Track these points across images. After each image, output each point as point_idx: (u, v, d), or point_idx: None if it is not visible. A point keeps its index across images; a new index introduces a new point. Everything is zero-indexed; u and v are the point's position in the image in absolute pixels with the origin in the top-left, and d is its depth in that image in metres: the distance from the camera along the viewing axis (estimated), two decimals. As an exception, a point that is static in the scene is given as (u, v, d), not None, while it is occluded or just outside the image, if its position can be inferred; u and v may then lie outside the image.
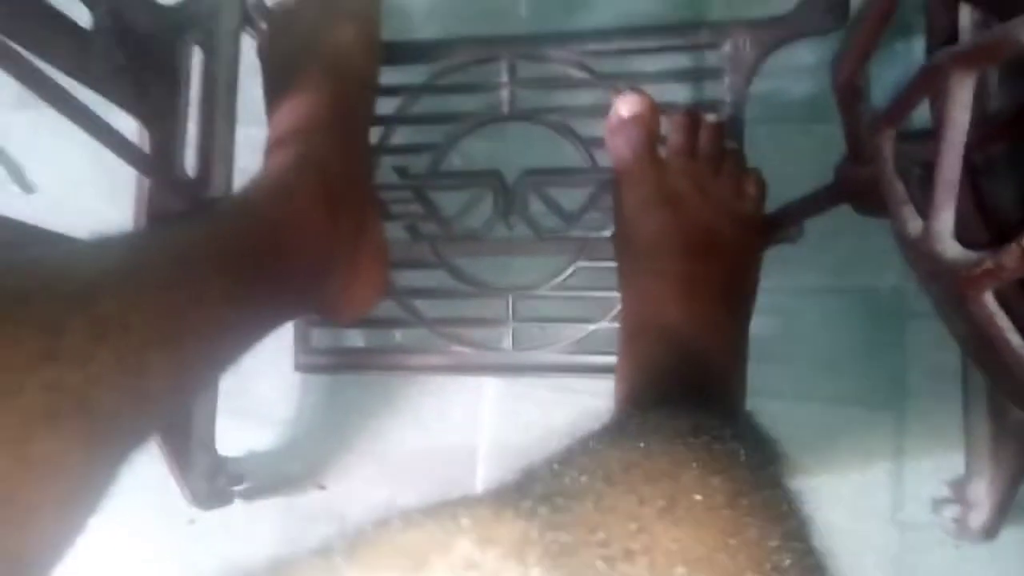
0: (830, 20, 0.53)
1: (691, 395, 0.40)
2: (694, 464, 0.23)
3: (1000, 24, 0.26)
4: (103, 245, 0.38)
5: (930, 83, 0.30)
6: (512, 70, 0.58)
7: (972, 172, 0.37)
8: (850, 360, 0.59)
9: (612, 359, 0.51)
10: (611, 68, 0.56)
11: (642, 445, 0.24)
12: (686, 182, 0.50)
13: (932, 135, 0.32)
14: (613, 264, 0.56)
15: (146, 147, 0.52)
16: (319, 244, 0.49)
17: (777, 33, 0.54)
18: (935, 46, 0.37)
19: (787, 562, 0.21)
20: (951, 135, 0.28)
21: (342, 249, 0.51)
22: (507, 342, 0.58)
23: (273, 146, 0.52)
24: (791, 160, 0.57)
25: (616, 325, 0.56)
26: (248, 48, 0.60)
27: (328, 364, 0.60)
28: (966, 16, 0.36)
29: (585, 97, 0.58)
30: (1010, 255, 0.24)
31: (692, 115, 0.52)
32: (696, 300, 0.46)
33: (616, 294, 0.55)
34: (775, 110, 0.59)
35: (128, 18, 0.51)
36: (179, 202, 0.55)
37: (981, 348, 0.34)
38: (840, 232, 0.58)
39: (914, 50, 0.58)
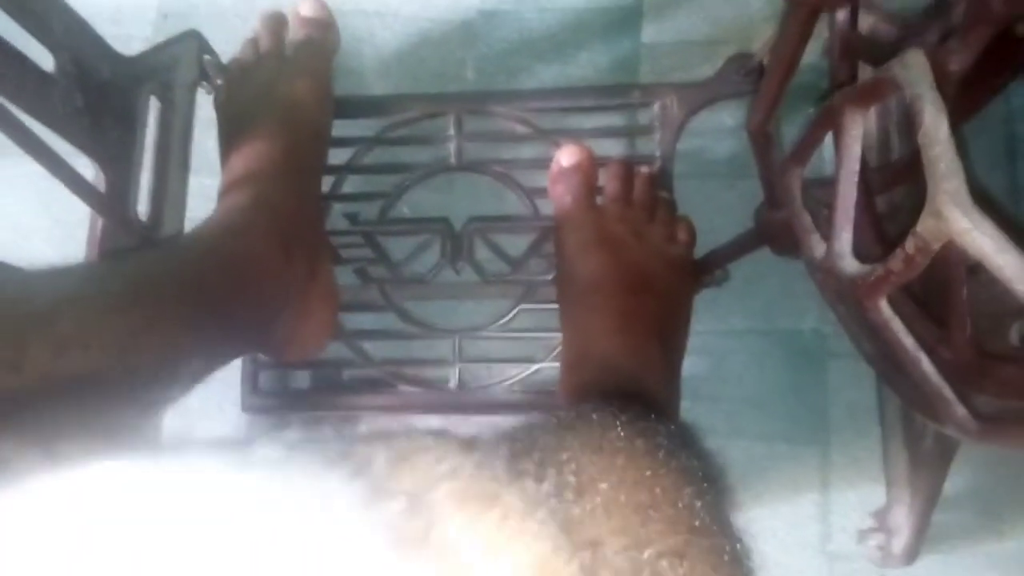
0: (746, 84, 0.59)
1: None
2: (620, 423, 0.27)
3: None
4: (63, 272, 0.39)
5: (828, 121, 0.34)
6: (459, 124, 0.61)
7: (871, 210, 0.42)
8: (776, 398, 0.63)
9: (555, 397, 0.53)
10: (552, 124, 0.61)
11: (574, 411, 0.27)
12: (622, 227, 0.53)
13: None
14: (555, 306, 0.59)
15: (101, 188, 0.53)
16: (271, 281, 0.51)
17: (701, 95, 0.60)
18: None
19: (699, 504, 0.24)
20: (846, 164, 0.32)
21: (293, 288, 0.53)
22: (453, 382, 0.59)
23: (227, 189, 0.54)
24: (716, 211, 0.61)
25: (558, 365, 0.58)
26: (203, 101, 0.63)
27: (275, 405, 0.60)
28: (864, 72, 0.41)
29: (528, 150, 0.62)
30: (896, 260, 0.28)
31: (627, 166, 0.56)
32: (632, 335, 0.49)
33: (558, 335, 0.58)
34: (701, 166, 0.64)
35: (89, 65, 0.53)
36: (130, 245, 0.56)
37: (884, 360, 0.37)
38: (764, 277, 0.62)
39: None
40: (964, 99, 0.39)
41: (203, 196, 0.60)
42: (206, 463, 0.16)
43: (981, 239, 0.24)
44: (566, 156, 0.55)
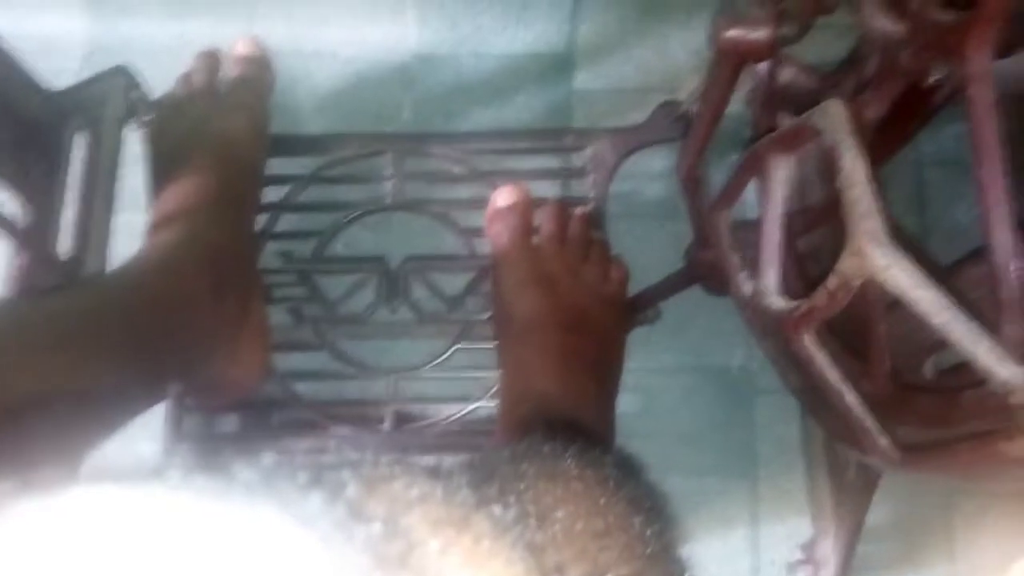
0: (675, 130, 0.61)
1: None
2: (570, 455, 0.27)
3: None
4: None
5: (754, 166, 0.36)
6: (397, 164, 0.62)
7: (794, 250, 0.44)
8: (707, 434, 0.64)
9: (491, 438, 0.53)
10: (488, 165, 0.62)
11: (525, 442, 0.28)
12: (558, 266, 0.54)
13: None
14: (492, 345, 0.59)
15: (23, 223, 0.51)
16: (201, 320, 0.50)
17: (632, 139, 0.62)
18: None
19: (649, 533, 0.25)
20: (771, 206, 0.34)
21: (225, 327, 0.52)
22: (388, 423, 0.59)
23: (157, 225, 0.53)
24: (648, 251, 0.63)
25: (495, 404, 0.58)
26: (131, 137, 0.61)
27: (200, 451, 0.58)
28: (784, 120, 0.43)
29: (465, 191, 0.62)
30: (820, 296, 0.29)
31: (562, 206, 0.57)
32: (569, 372, 0.50)
33: (495, 373, 0.59)
34: (633, 207, 0.66)
35: (14, 99, 0.52)
36: (51, 282, 0.54)
37: (810, 393, 0.39)
38: (694, 315, 0.64)
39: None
40: (879, 145, 0.41)
41: (128, 233, 0.58)
42: (181, 487, 0.16)
43: (899, 275, 0.25)
44: (503, 196, 0.56)
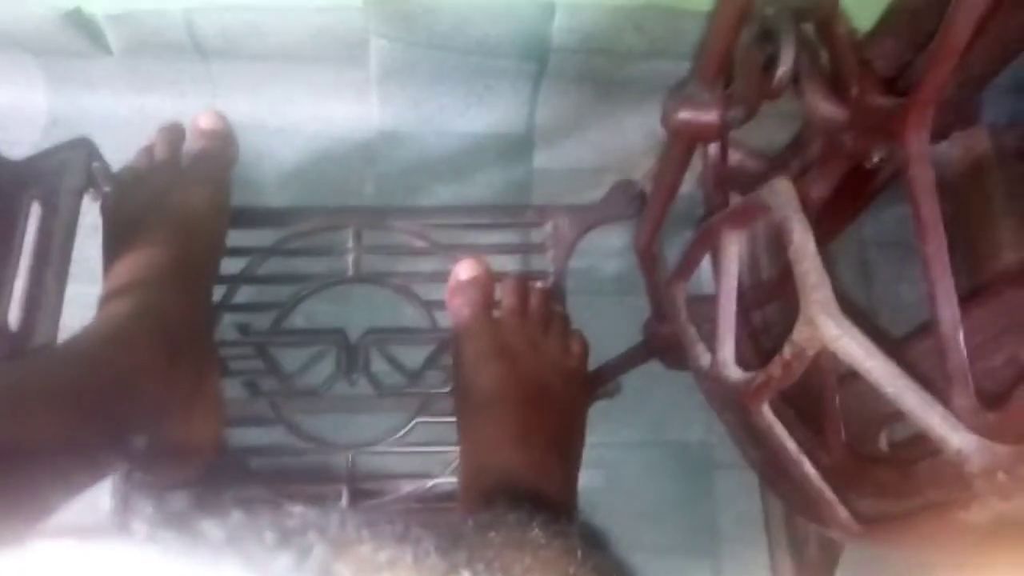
0: (631, 208, 0.63)
1: None
2: (536, 525, 0.27)
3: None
4: None
5: (708, 241, 0.37)
6: (358, 237, 0.62)
7: (748, 324, 0.45)
8: (669, 510, 0.64)
9: (451, 514, 0.52)
10: (450, 239, 0.62)
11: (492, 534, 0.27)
12: (519, 339, 0.55)
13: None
14: (452, 420, 0.58)
15: (-28, 294, 0.50)
16: (154, 392, 0.48)
17: (590, 217, 0.64)
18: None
19: None
20: (725, 280, 0.35)
21: (177, 399, 0.51)
22: (345, 500, 0.57)
23: (111, 296, 0.52)
24: (607, 326, 0.64)
25: (455, 479, 0.57)
26: (86, 208, 0.61)
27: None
28: (735, 198, 0.45)
29: (426, 264, 0.63)
30: (775, 366, 0.30)
31: (523, 280, 0.58)
32: (531, 446, 0.50)
33: (455, 448, 0.58)
34: (592, 283, 0.67)
35: (-31, 167, 0.51)
36: (0, 352, 0.52)
37: (769, 465, 0.39)
38: (653, 390, 0.65)
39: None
40: (824, 224, 0.43)
41: (80, 304, 0.57)
42: (147, 544, 0.15)
43: (850, 345, 0.26)
44: (464, 270, 0.56)
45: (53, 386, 0.40)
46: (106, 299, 0.52)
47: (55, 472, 0.39)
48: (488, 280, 0.56)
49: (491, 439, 0.50)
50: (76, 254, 0.59)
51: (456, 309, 0.56)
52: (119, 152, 0.65)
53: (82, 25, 0.62)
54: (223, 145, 0.62)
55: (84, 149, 0.61)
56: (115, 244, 0.56)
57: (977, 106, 0.37)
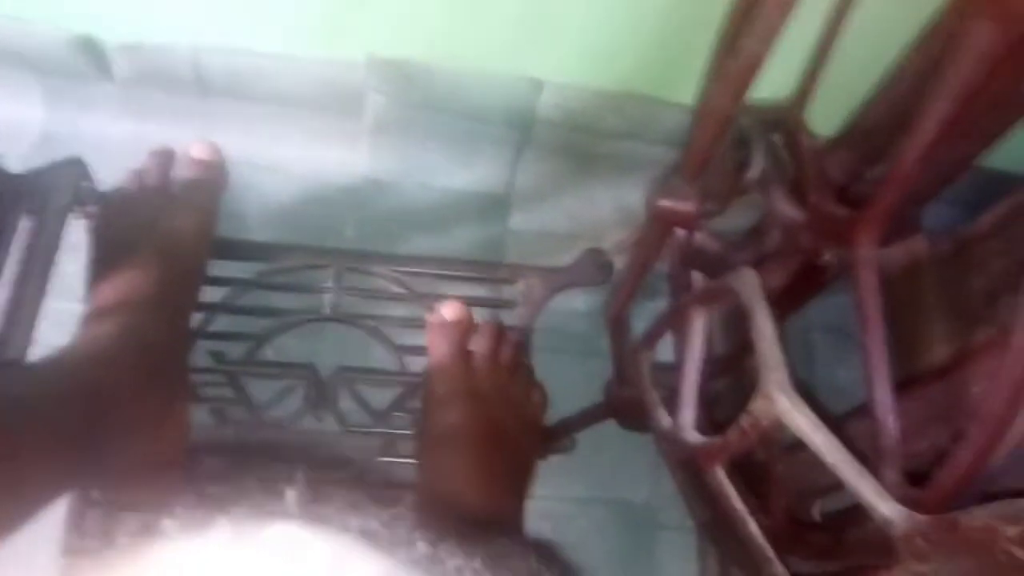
0: (599, 274, 0.67)
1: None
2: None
3: (717, 279, 0.38)
4: None
5: (676, 318, 0.41)
6: (337, 278, 0.65)
7: (703, 393, 0.49)
8: (611, 567, 0.67)
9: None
10: (425, 288, 0.65)
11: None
12: (487, 382, 0.58)
13: (677, 366, 0.43)
14: (413, 461, 0.61)
15: (-42, 300, 0.51)
16: (129, 412, 0.50)
17: (560, 279, 0.67)
18: (675, 295, 0.50)
19: None
20: (691, 352, 0.39)
21: (148, 421, 0.52)
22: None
23: (94, 315, 0.53)
24: (567, 384, 0.67)
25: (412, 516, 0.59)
26: (72, 228, 0.62)
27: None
28: (696, 277, 0.49)
29: (400, 309, 0.65)
30: (733, 431, 0.34)
31: (499, 328, 0.62)
32: (486, 481, 0.53)
33: (414, 488, 0.60)
34: (556, 342, 0.71)
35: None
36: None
37: (716, 525, 0.43)
38: (605, 448, 0.68)
39: (659, 307, 0.73)
40: (776, 308, 0.48)
41: (52, 320, 0.58)
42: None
43: (800, 419, 0.30)
44: (449, 311, 0.60)
45: (33, 399, 0.41)
46: (90, 317, 0.53)
47: (25, 485, 0.40)
48: (469, 324, 0.60)
49: (448, 470, 0.53)
50: (57, 270, 0.60)
51: (434, 347, 0.59)
52: (110, 174, 0.67)
53: (90, 51, 0.64)
54: (213, 174, 0.64)
55: (76, 168, 0.63)
56: (101, 263, 0.57)
57: (918, 218, 0.42)
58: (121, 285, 0.55)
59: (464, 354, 0.59)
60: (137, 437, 0.51)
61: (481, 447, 0.54)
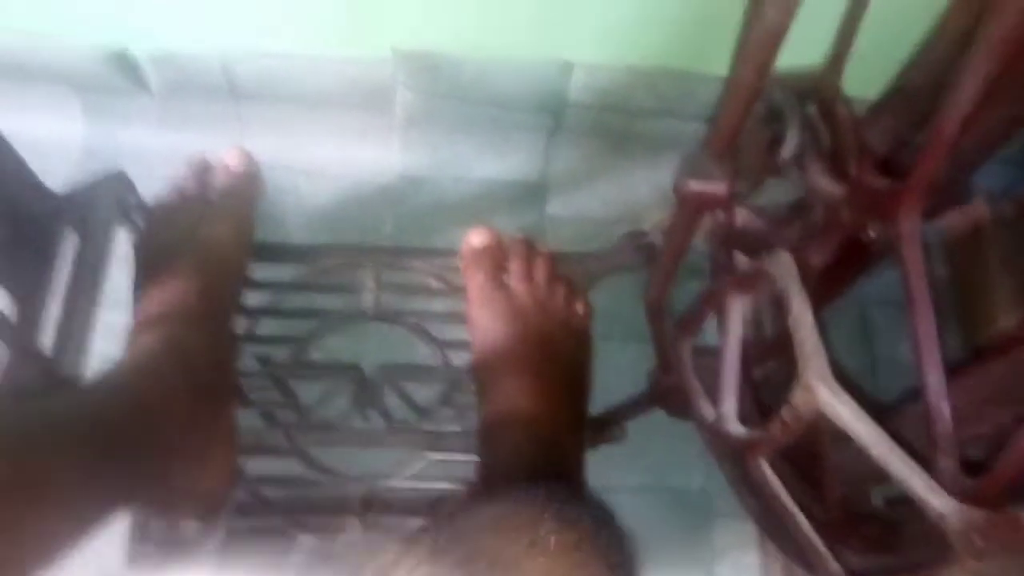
0: (639, 258, 0.65)
1: (545, 475, 0.47)
2: (548, 518, 0.29)
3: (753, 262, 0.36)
4: None
5: (714, 301, 0.39)
6: (377, 275, 0.65)
7: (750, 378, 0.47)
8: (668, 556, 0.65)
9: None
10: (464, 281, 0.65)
11: (509, 503, 0.30)
12: (528, 301, 0.58)
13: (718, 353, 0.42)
14: (461, 457, 0.60)
15: (12, 319, 0.52)
16: (177, 425, 0.50)
17: (600, 265, 0.66)
18: (716, 277, 0.48)
19: None
20: (729, 340, 0.37)
21: (197, 433, 0.52)
22: (355, 533, 0.59)
23: (140, 328, 0.54)
24: (612, 371, 0.66)
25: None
26: (120, 240, 0.63)
27: (165, 557, 0.58)
28: (739, 258, 0.47)
29: (440, 304, 0.65)
30: (775, 425, 0.32)
31: (529, 244, 0.61)
32: (545, 397, 0.53)
33: (463, 486, 0.60)
34: (599, 329, 0.69)
35: (14, 196, 0.54)
36: (31, 377, 0.54)
37: (766, 516, 0.41)
38: (655, 437, 0.66)
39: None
40: (824, 288, 0.45)
41: (107, 333, 0.59)
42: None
43: (842, 411, 0.28)
44: (478, 238, 0.60)
45: (83, 420, 0.42)
46: (136, 332, 0.54)
47: (80, 502, 0.41)
48: (499, 248, 0.60)
49: (510, 392, 0.53)
50: (108, 284, 0.62)
51: (471, 276, 0.59)
52: (151, 186, 0.69)
53: (125, 64, 0.65)
54: (249, 182, 0.65)
55: (119, 182, 0.65)
56: (146, 275, 0.58)
57: (968, 188, 0.39)
58: (164, 297, 0.56)
59: (500, 278, 0.59)
60: (188, 449, 0.52)
61: (535, 364, 0.54)
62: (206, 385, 0.53)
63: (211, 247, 0.59)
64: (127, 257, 0.64)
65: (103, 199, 0.63)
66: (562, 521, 0.31)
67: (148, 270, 0.59)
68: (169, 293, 0.56)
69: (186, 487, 0.53)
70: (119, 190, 0.64)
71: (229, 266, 0.60)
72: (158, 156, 0.72)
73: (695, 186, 0.36)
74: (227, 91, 0.67)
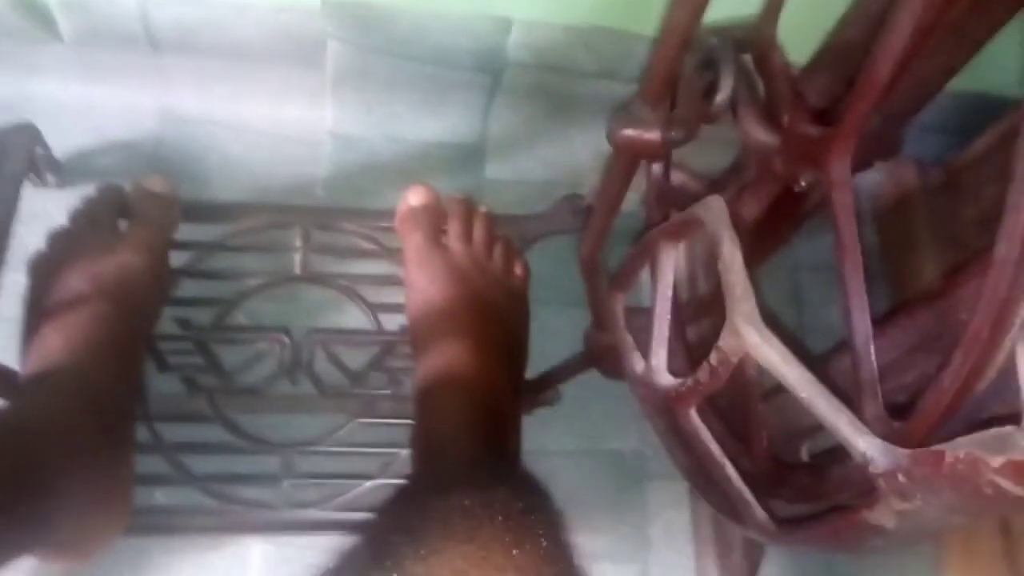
0: (577, 221, 0.65)
1: (486, 443, 0.46)
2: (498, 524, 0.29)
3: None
4: None
5: (646, 252, 0.39)
6: (306, 236, 0.62)
7: (682, 335, 0.47)
8: (602, 518, 0.65)
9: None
10: (397, 243, 0.63)
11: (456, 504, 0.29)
12: (466, 261, 0.57)
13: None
14: (393, 421, 0.59)
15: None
16: (77, 471, 0.46)
17: (537, 227, 0.65)
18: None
19: None
20: (661, 289, 0.37)
21: (95, 478, 0.49)
22: (281, 500, 0.57)
23: (40, 364, 0.49)
24: (548, 336, 0.65)
25: (393, 481, 0.58)
26: (28, 196, 0.59)
27: None
28: (674, 215, 0.47)
29: (373, 267, 0.63)
30: (703, 372, 0.32)
31: (467, 204, 0.60)
32: (483, 358, 0.52)
33: (394, 450, 0.58)
34: (535, 293, 0.68)
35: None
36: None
37: (696, 470, 0.41)
38: (591, 400, 0.66)
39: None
40: (757, 244, 0.45)
41: (13, 293, 0.55)
42: None
43: (769, 353, 0.28)
44: (415, 196, 0.58)
45: None
46: (35, 367, 0.49)
47: None
48: (437, 206, 0.58)
49: (447, 356, 0.51)
50: (13, 242, 0.58)
51: (407, 235, 0.58)
52: (62, 139, 0.65)
53: (34, 9, 0.61)
54: (165, 210, 0.59)
55: (27, 134, 0.61)
56: (43, 307, 0.53)
57: (899, 139, 0.39)
58: (68, 333, 0.50)
59: (438, 237, 0.58)
60: (84, 493, 0.48)
61: (473, 324, 0.53)
62: (109, 430, 0.49)
63: (121, 282, 0.54)
64: (40, 214, 0.61)
65: (11, 151, 0.59)
66: (509, 527, 0.31)
67: (47, 301, 0.53)
68: (74, 330, 0.50)
69: (77, 536, 0.49)
70: (28, 142, 0.60)
71: (140, 301, 0.55)
72: (71, 109, 0.68)
73: (629, 132, 0.35)
74: (145, 41, 0.63)
